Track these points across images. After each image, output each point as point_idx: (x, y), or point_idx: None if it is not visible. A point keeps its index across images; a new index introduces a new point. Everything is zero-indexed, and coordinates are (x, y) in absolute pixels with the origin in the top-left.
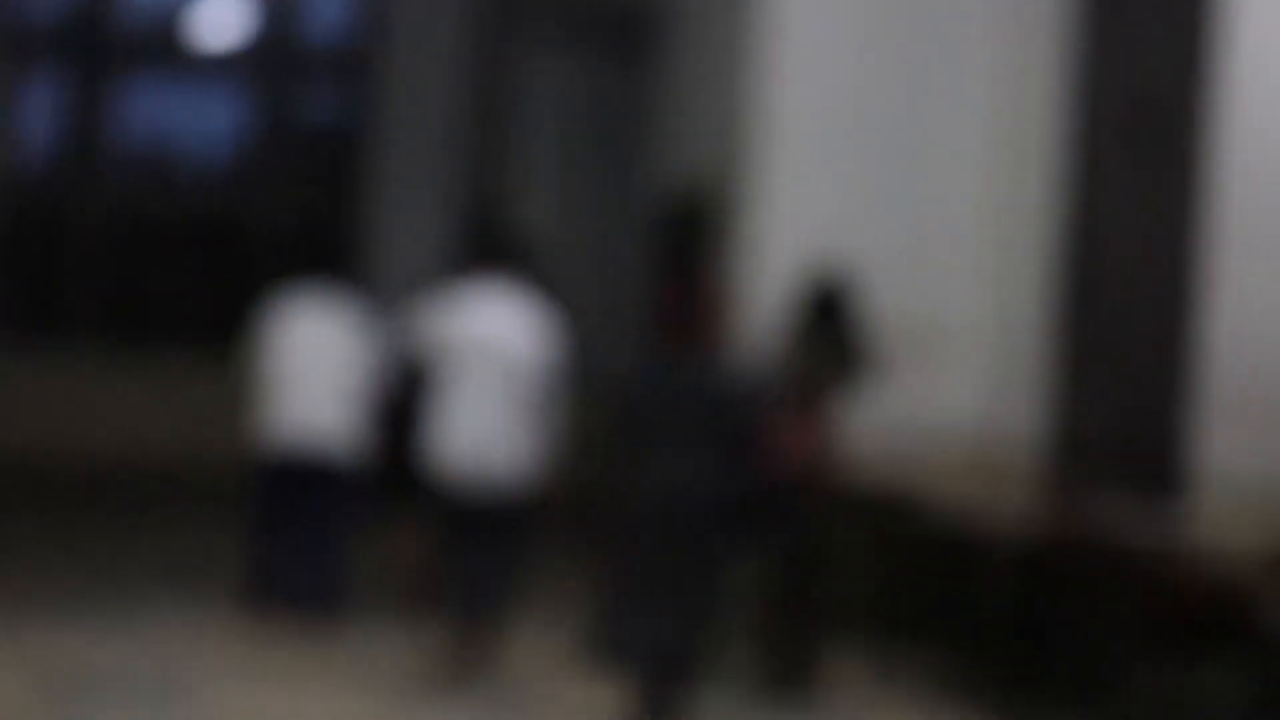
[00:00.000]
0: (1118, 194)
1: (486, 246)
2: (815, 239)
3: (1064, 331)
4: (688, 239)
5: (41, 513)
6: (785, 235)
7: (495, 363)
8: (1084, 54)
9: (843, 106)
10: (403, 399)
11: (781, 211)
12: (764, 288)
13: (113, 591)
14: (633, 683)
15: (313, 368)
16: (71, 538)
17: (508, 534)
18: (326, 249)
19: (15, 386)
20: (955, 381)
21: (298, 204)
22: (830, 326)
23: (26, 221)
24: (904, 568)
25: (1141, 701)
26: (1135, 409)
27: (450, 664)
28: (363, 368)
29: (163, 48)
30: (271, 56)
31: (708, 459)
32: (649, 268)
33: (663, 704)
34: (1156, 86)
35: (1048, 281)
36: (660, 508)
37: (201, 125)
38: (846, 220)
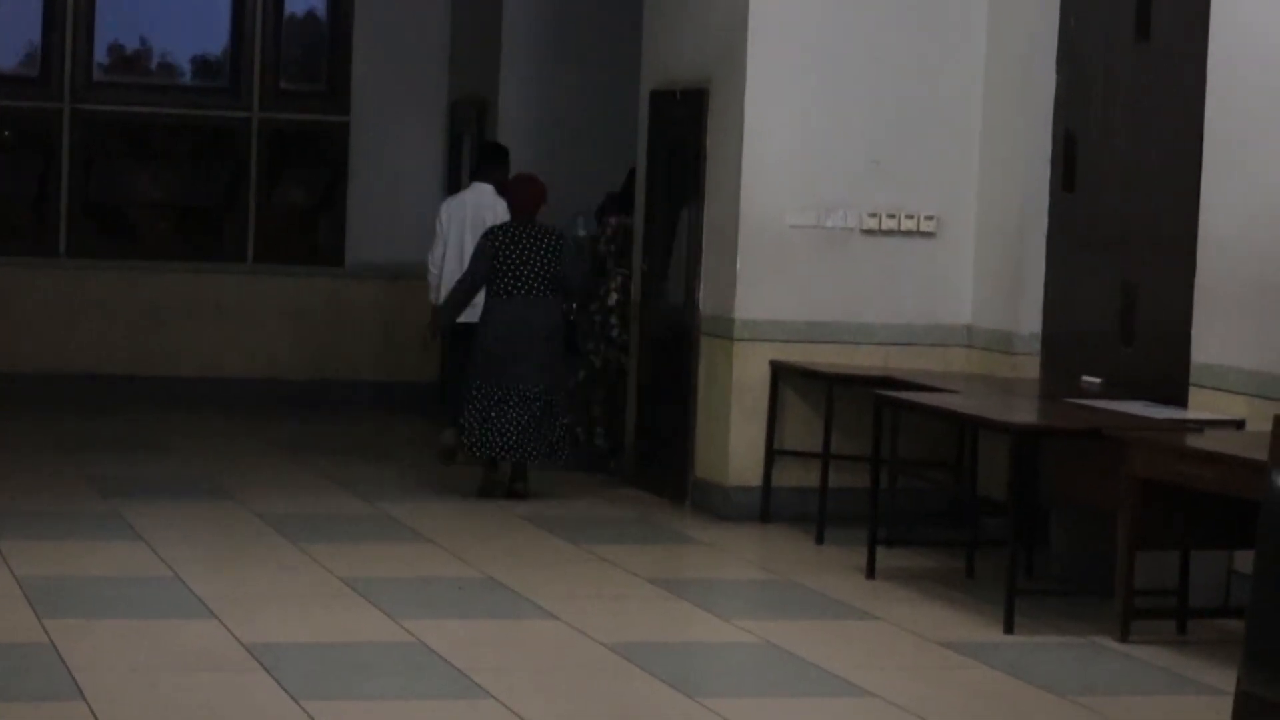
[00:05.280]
0: (1116, 86)
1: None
2: (803, 138)
3: (1061, 226)
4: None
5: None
6: (775, 135)
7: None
8: None
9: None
10: None
11: (771, 111)
12: (754, 187)
13: None
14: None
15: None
16: None
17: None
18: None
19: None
20: (950, 279)
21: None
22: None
23: (9, 125)
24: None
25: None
26: (1134, 304)
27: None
28: None
29: None
30: None
31: (544, 287)
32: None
33: (519, 471)
34: None
35: (1044, 176)
36: (514, 325)
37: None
38: (837, 121)
